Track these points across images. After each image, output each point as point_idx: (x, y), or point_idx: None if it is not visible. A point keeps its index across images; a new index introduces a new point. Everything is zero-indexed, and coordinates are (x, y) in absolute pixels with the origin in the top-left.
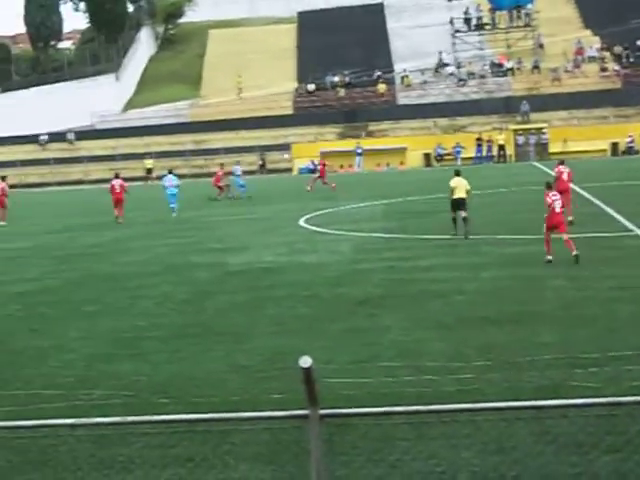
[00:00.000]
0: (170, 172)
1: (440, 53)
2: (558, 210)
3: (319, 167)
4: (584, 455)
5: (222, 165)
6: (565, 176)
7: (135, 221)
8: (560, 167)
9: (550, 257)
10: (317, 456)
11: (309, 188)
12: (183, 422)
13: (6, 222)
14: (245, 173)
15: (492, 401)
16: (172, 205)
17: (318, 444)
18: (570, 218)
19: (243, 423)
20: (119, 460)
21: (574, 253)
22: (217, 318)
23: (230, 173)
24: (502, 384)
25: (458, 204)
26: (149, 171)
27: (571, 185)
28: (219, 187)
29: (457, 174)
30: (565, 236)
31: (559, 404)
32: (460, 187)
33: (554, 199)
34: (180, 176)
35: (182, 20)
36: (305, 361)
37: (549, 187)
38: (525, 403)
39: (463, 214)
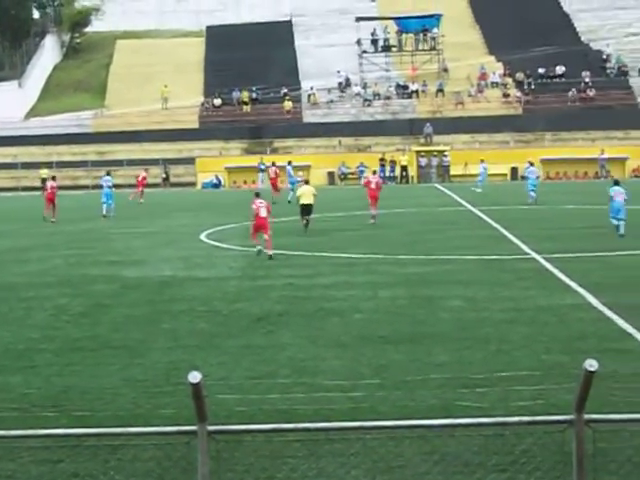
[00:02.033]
0: (108, 174)
1: (339, 71)
2: (262, 215)
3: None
4: (470, 474)
5: (274, 163)
6: (373, 185)
7: (33, 231)
8: (370, 177)
9: (260, 247)
10: (204, 473)
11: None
12: (70, 436)
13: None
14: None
15: (384, 420)
16: (105, 205)
17: (205, 460)
18: (372, 221)
19: (132, 438)
20: (3, 475)
21: (270, 253)
22: (113, 332)
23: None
24: (394, 403)
25: (305, 209)
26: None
27: (379, 191)
28: (275, 187)
29: (306, 183)
30: (267, 236)
31: (447, 423)
32: (307, 194)
33: (259, 205)
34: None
35: (89, 29)
36: (194, 376)
37: (257, 195)
38: (413, 422)
39: (307, 217)
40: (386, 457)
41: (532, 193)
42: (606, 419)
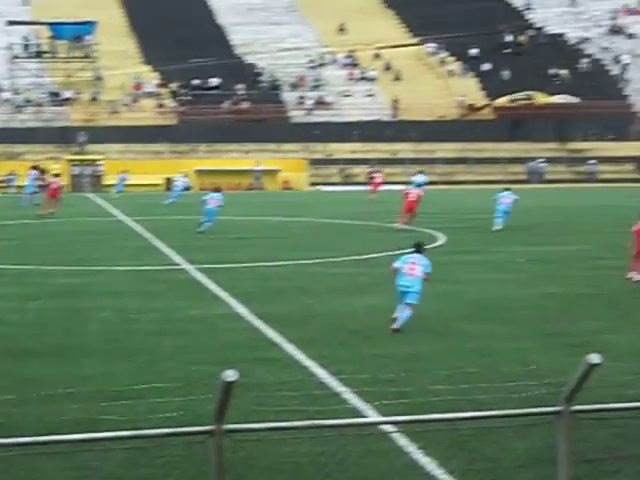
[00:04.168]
0: None
1: None
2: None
3: None
4: None
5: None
6: (56, 185)
7: None
8: (54, 179)
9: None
10: None
11: None
12: None
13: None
14: None
15: (27, 436)
16: None
17: None
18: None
19: None
20: None
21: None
22: None
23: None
24: (40, 418)
25: None
26: None
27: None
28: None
29: None
30: None
31: (84, 438)
32: None
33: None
34: None
35: None
36: None
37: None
38: (48, 438)
39: None
40: (25, 477)
41: (172, 200)
42: (244, 428)
